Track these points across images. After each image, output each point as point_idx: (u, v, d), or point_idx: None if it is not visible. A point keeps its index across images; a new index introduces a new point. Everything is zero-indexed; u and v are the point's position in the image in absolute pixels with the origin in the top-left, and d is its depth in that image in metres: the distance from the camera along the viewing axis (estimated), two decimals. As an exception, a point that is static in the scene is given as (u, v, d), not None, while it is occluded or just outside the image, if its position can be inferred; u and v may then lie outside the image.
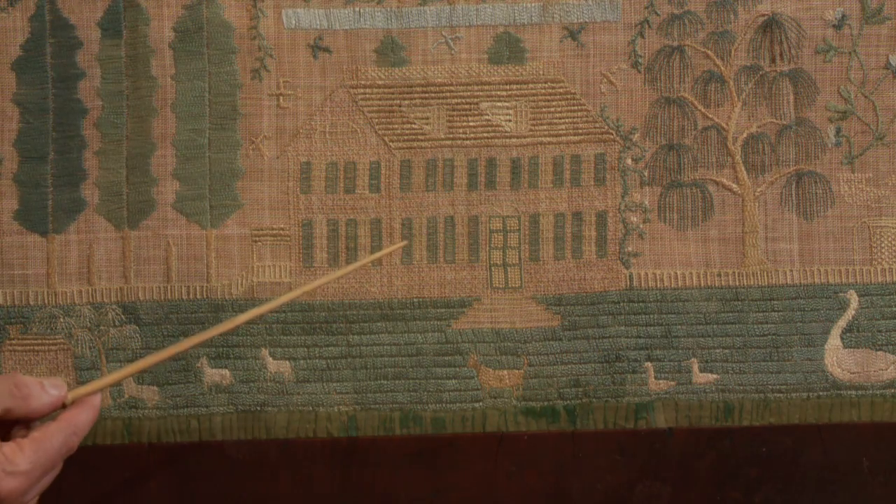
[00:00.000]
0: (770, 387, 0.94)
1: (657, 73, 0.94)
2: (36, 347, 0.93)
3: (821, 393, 0.94)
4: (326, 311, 0.94)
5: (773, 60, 0.94)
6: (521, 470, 0.94)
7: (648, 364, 0.94)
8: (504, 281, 0.95)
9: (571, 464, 0.94)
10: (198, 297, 0.93)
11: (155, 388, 0.93)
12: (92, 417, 0.73)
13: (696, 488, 0.94)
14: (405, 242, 0.94)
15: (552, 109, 0.94)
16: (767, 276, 0.94)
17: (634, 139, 0.94)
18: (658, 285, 0.94)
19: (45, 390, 0.71)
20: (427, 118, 0.94)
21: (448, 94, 0.94)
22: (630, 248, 0.94)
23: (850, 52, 0.94)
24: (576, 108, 0.94)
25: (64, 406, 0.72)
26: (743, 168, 0.94)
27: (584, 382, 0.94)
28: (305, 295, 0.94)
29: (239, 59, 0.94)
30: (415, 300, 0.94)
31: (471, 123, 0.94)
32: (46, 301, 0.93)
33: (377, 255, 0.91)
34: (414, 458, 0.94)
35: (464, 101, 0.94)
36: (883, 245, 0.94)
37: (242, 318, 0.80)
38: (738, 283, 0.94)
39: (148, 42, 0.93)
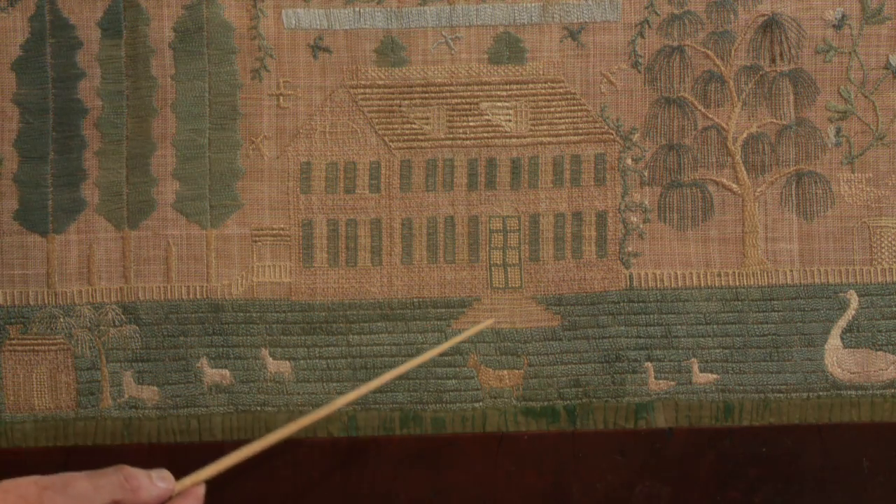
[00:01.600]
0: (770, 387, 0.94)
1: (657, 73, 0.94)
2: (36, 347, 0.93)
3: (821, 393, 0.94)
4: (326, 311, 0.94)
5: (773, 60, 0.94)
6: (521, 470, 0.94)
7: (648, 364, 0.94)
8: (504, 281, 0.95)
9: (571, 464, 0.94)
10: (198, 297, 0.93)
11: (155, 388, 0.93)
12: None
13: (696, 488, 0.94)
14: (493, 320, 0.94)
15: (552, 109, 0.94)
16: (767, 276, 0.94)
17: (634, 139, 0.94)
18: (658, 285, 0.94)
19: (153, 483, 0.72)
20: (427, 118, 0.94)
21: (448, 94, 0.94)
22: (630, 248, 0.94)
23: (850, 52, 0.94)
24: (576, 108, 0.94)
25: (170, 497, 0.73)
26: (743, 168, 0.94)
27: (584, 382, 0.94)
28: (305, 296, 0.94)
29: (239, 59, 0.94)
30: (415, 300, 0.94)
31: (471, 123, 0.94)
32: (46, 301, 0.93)
33: (472, 330, 0.91)
34: (414, 458, 0.94)
35: (464, 101, 0.94)
36: (883, 245, 0.94)
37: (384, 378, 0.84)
38: (738, 283, 0.94)
39: (148, 42, 0.93)
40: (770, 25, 0.94)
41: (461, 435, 0.94)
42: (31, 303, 0.93)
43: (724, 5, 0.94)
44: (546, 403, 0.94)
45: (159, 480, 0.73)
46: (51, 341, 0.93)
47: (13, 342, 0.93)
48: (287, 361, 0.94)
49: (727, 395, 0.94)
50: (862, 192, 0.94)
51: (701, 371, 0.94)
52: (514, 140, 0.94)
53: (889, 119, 0.94)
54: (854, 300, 0.94)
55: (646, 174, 0.95)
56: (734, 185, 0.94)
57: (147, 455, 0.93)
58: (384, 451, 0.94)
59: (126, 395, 0.93)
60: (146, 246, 0.94)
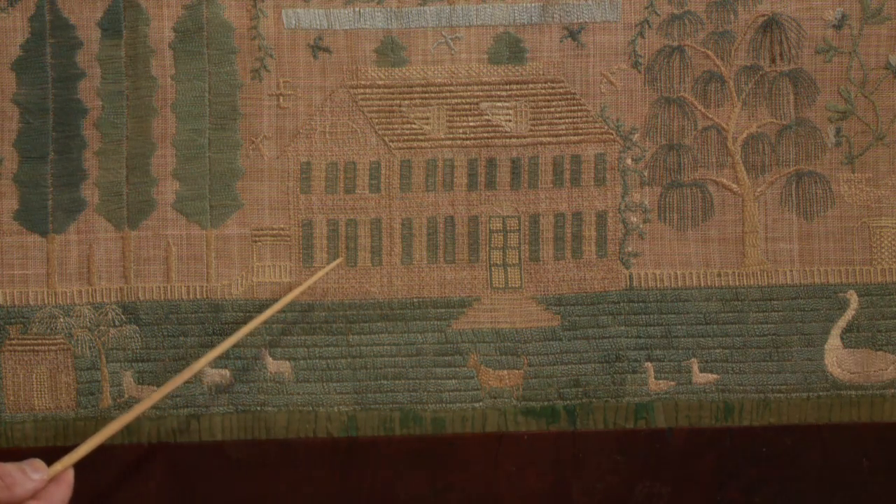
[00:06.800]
0: (770, 387, 0.94)
1: (657, 73, 0.94)
2: (36, 347, 0.93)
3: (821, 393, 0.94)
4: (326, 311, 0.94)
5: (773, 60, 0.94)
6: (521, 470, 0.94)
7: (648, 364, 0.94)
8: (504, 281, 0.95)
9: (571, 464, 0.94)
10: (198, 297, 0.93)
11: (155, 388, 0.93)
12: (67, 493, 0.76)
13: (696, 488, 0.94)
14: (340, 259, 0.93)
15: (552, 109, 0.94)
16: (767, 276, 0.94)
17: (634, 139, 0.94)
18: (658, 285, 0.94)
19: (27, 476, 0.73)
20: (427, 118, 0.94)
21: (448, 94, 0.94)
22: (630, 248, 0.94)
23: (850, 52, 0.94)
24: (576, 108, 0.94)
25: None
26: (743, 168, 0.94)
27: (584, 382, 0.94)
28: (305, 296, 0.94)
29: (239, 59, 0.94)
30: (415, 300, 0.94)
31: (471, 123, 0.94)
32: (46, 301, 0.93)
33: (317, 275, 0.91)
34: (414, 458, 0.94)
35: (464, 101, 0.94)
36: (883, 245, 0.94)
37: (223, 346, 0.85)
38: (738, 283, 0.94)
39: (148, 42, 0.93)
40: (770, 25, 0.94)
41: (461, 435, 0.94)
42: (31, 303, 0.93)
43: (724, 5, 0.94)
44: (546, 403, 0.94)
45: (33, 473, 0.74)
46: (51, 341, 0.93)
47: (13, 342, 0.93)
48: (287, 361, 0.94)
49: (727, 395, 0.94)
50: (862, 192, 0.94)
51: (701, 371, 0.94)
52: (514, 140, 0.94)
53: (889, 119, 0.94)
54: (854, 300, 0.94)
55: (646, 174, 0.95)
56: (734, 185, 0.94)
57: (147, 455, 0.93)
58: (384, 451, 0.94)
59: (126, 395, 0.93)
60: (146, 246, 0.94)
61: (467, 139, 0.94)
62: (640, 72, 0.94)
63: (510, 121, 0.94)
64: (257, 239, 0.94)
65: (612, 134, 0.94)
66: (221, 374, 0.93)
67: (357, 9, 0.94)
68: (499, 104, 0.94)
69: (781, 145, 0.94)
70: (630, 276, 0.94)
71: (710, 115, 0.94)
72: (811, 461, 0.94)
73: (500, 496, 0.94)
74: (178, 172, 0.94)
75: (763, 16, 0.94)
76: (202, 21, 0.93)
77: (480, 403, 0.94)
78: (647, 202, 0.94)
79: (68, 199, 0.93)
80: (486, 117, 0.94)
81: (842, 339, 0.94)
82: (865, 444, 0.94)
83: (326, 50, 0.94)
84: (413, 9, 0.94)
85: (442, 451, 0.94)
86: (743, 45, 0.94)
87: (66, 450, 0.93)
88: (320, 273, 0.91)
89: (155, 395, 0.83)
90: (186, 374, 0.84)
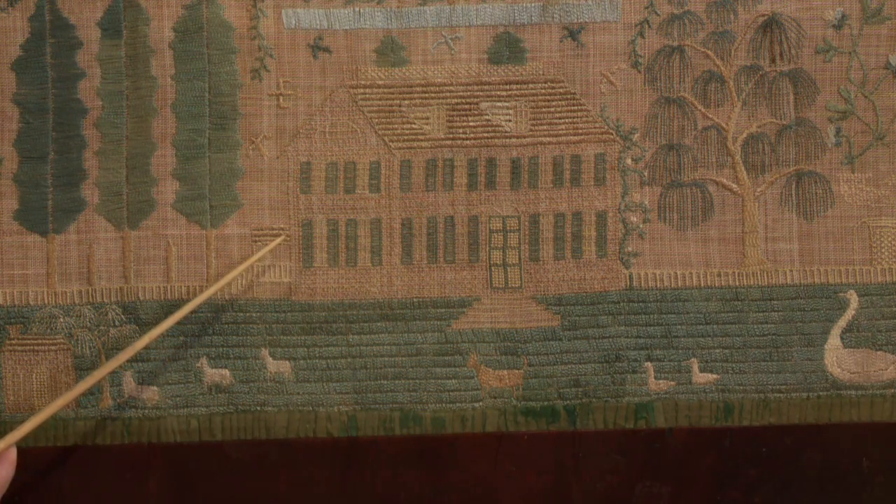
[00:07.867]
0: (770, 387, 0.94)
1: (657, 73, 0.94)
2: (36, 347, 0.93)
3: (821, 393, 0.94)
4: (326, 311, 0.94)
5: (773, 60, 0.94)
6: (521, 470, 0.94)
7: (648, 364, 0.94)
8: (504, 281, 0.95)
9: (571, 464, 0.94)
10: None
11: (155, 388, 0.93)
12: (10, 472, 0.76)
13: (696, 488, 0.94)
14: (282, 237, 0.93)
15: (552, 109, 0.94)
16: (767, 276, 0.94)
17: (634, 139, 0.94)
18: (658, 285, 0.94)
19: None
20: (427, 118, 0.94)
21: (448, 94, 0.94)
22: (630, 248, 0.94)
23: (850, 52, 0.94)
24: (576, 108, 0.94)
25: None
26: (743, 168, 0.94)
27: (584, 382, 0.94)
28: (305, 296, 0.94)
29: (239, 59, 0.94)
30: (415, 300, 0.94)
31: (471, 123, 0.94)
32: (46, 301, 0.93)
33: (261, 252, 0.91)
34: (414, 458, 0.94)
35: (464, 101, 0.94)
36: (883, 245, 0.94)
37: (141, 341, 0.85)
38: (738, 283, 0.94)
39: (148, 42, 0.93)
40: (770, 25, 0.94)
41: (461, 435, 0.94)
42: (31, 303, 0.93)
43: (724, 5, 0.94)
44: (546, 403, 0.94)
45: None
46: (51, 341, 0.93)
47: (13, 342, 0.93)
48: (287, 361, 0.94)
49: (727, 395, 0.94)
50: (862, 192, 0.94)
51: (701, 371, 0.94)
52: (514, 140, 0.94)
53: (889, 119, 0.94)
54: (854, 300, 0.94)
55: (646, 174, 0.95)
56: (734, 185, 0.94)
57: (147, 455, 0.93)
58: (384, 451, 0.94)
59: (126, 395, 0.93)
60: (146, 246, 0.94)
61: (467, 139, 0.94)
62: (640, 72, 0.94)
63: (510, 121, 0.94)
64: (257, 239, 0.94)
65: (612, 134, 0.94)
66: (221, 374, 0.93)
67: (357, 9, 0.94)
68: (499, 104, 0.94)
69: (781, 145, 0.94)
70: (630, 276, 0.94)
71: (710, 115, 0.94)
72: (811, 461, 0.94)
73: (500, 496, 0.94)
74: (178, 172, 0.94)
75: (763, 16, 0.94)
76: (202, 21, 0.93)
77: (480, 403, 0.94)
78: (647, 202, 0.94)
79: (68, 199, 0.93)
80: (486, 117, 0.94)
81: (842, 339, 0.94)
82: (865, 444, 0.94)
83: (326, 50, 0.94)
84: (413, 9, 0.94)
85: (442, 451, 0.94)
86: (743, 45, 0.94)
87: (66, 450, 0.93)
88: (261, 252, 0.91)
89: (99, 372, 0.83)
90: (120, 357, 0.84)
